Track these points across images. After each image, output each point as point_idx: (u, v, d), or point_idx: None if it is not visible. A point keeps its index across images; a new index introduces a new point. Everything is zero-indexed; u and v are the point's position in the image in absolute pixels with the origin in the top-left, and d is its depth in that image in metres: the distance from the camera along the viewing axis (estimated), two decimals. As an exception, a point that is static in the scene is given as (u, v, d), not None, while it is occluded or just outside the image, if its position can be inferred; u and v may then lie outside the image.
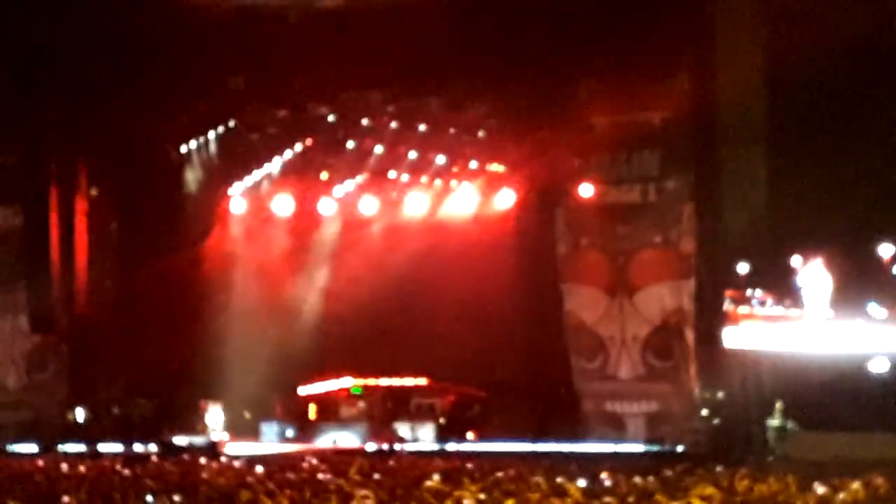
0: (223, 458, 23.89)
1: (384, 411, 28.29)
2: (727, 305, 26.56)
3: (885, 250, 26.35)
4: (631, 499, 16.49)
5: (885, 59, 24.85)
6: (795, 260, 26.58)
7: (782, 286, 26.68)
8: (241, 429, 28.10)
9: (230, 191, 30.78)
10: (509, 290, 29.22)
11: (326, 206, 30.49)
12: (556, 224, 28.72)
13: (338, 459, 23.14)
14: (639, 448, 26.49)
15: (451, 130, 29.49)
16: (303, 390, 29.01)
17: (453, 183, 30.52)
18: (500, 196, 29.42)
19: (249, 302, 29.73)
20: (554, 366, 28.62)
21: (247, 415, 28.17)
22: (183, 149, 30.20)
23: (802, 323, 26.48)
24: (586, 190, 28.27)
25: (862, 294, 26.38)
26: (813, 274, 26.53)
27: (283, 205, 30.46)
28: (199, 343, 28.69)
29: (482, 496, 16.57)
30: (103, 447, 25.98)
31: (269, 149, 30.20)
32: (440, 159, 30.01)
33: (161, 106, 28.26)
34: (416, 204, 29.91)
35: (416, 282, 29.59)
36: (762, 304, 26.72)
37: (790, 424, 25.94)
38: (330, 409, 28.57)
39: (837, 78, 24.84)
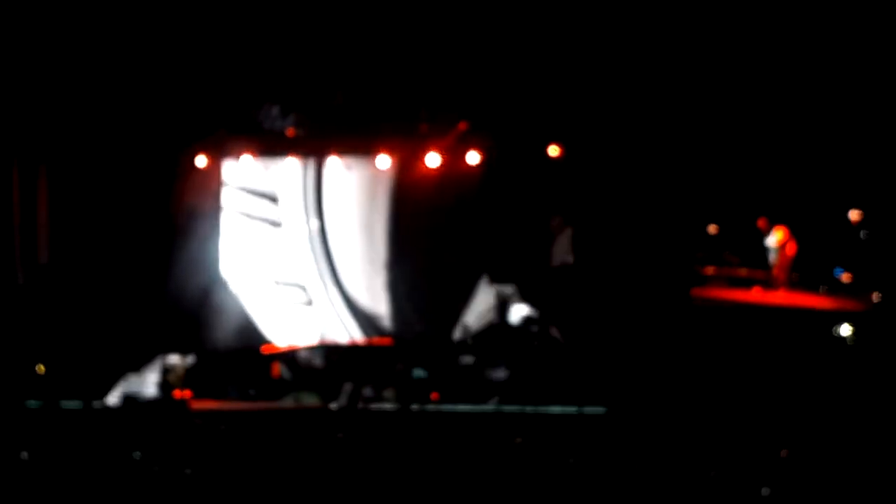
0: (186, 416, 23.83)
1: (345, 370, 28.13)
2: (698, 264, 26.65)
3: (851, 216, 26.46)
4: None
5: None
6: (761, 223, 26.67)
7: (749, 248, 26.81)
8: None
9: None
10: (474, 251, 29.13)
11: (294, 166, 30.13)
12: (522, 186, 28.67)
13: (300, 418, 23.12)
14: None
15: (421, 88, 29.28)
16: (266, 348, 28.89)
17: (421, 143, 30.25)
18: (468, 157, 29.16)
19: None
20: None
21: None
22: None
23: (767, 286, 26.63)
24: (553, 151, 28.19)
25: (827, 259, 26.51)
26: (778, 237, 26.62)
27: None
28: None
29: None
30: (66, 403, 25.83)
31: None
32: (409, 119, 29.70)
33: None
34: (382, 163, 29.60)
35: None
36: (729, 264, 26.84)
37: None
38: (291, 368, 28.42)
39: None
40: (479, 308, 28.53)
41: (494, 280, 28.29)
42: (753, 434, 19.56)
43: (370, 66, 27.75)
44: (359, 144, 29.07)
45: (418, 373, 27.35)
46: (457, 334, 28.26)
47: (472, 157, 28.50)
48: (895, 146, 25.45)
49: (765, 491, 14.29)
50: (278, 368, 28.39)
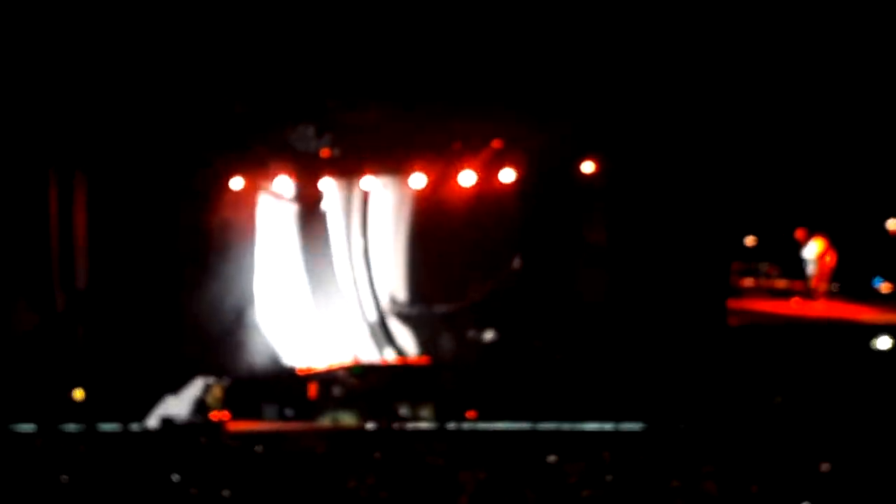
0: (224, 437, 23.83)
1: (385, 390, 28.09)
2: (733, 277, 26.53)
3: (890, 225, 26.23)
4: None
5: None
6: (800, 234, 26.56)
7: (788, 259, 26.66)
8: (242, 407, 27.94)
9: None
10: (508, 266, 29.09)
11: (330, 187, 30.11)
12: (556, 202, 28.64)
13: (338, 438, 23.09)
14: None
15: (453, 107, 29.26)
16: (302, 369, 28.87)
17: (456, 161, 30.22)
18: (503, 174, 29.08)
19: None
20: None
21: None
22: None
23: (806, 297, 26.47)
24: (588, 168, 28.12)
25: (868, 269, 26.30)
26: (816, 247, 26.48)
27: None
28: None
29: (482, 476, 16.49)
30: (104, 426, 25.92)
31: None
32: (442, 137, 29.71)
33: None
34: (417, 182, 29.54)
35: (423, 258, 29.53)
36: (768, 276, 26.72)
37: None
38: (327, 388, 28.39)
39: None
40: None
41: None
42: (793, 448, 19.37)
43: (403, 84, 27.74)
44: (393, 163, 29.10)
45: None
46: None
47: (507, 175, 28.46)
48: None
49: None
50: (315, 389, 28.39)
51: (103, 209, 28.90)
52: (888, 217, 26.21)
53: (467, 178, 28.52)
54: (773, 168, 26.23)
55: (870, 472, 16.41)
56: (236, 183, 29.00)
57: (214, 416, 27.09)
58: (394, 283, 29.46)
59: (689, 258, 27.05)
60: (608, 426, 25.73)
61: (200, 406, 27.31)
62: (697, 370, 26.45)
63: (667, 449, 20.20)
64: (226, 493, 15.60)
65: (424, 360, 28.65)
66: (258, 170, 29.11)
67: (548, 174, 28.42)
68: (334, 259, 29.67)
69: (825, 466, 16.81)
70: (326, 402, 28.02)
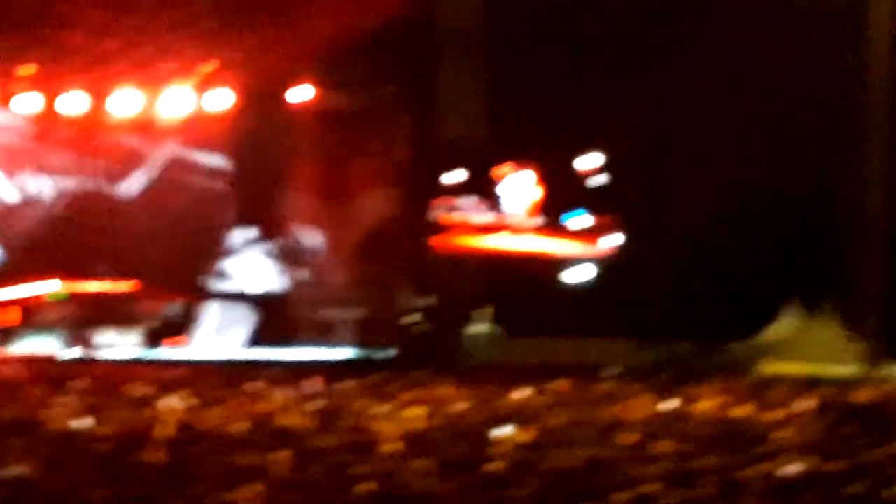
0: None
1: (88, 317, 27.49)
2: (438, 212, 26.94)
3: (588, 161, 27.11)
4: (337, 403, 16.59)
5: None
6: (504, 169, 27.12)
7: (492, 195, 27.19)
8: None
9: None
10: (224, 194, 28.81)
11: (27, 102, 29.07)
12: (272, 127, 28.44)
13: (35, 366, 22.49)
14: (347, 354, 26.68)
15: (163, 24, 28.54)
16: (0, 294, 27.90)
17: (167, 81, 29.59)
18: (217, 96, 28.72)
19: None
20: (265, 272, 28.49)
21: None
22: None
23: (510, 230, 27.12)
24: (303, 93, 28.01)
25: (568, 202, 27.13)
26: (520, 182, 27.13)
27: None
28: None
29: (189, 403, 16.38)
30: None
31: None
32: (151, 54, 28.99)
33: None
34: (127, 101, 28.87)
35: (125, 184, 28.80)
36: (473, 211, 27.17)
37: (496, 330, 26.58)
38: (29, 314, 27.55)
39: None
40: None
41: None
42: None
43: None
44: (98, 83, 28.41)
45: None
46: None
47: (220, 99, 28.16)
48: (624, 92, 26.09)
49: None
50: (15, 315, 27.52)
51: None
52: (584, 152, 27.06)
53: (181, 102, 28.07)
54: (476, 105, 26.68)
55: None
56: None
57: None
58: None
59: (390, 194, 27.50)
60: (320, 354, 26.05)
61: None
62: (402, 302, 27.09)
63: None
64: None
65: (131, 287, 28.15)
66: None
67: (260, 100, 28.25)
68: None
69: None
70: (25, 328, 27.25)
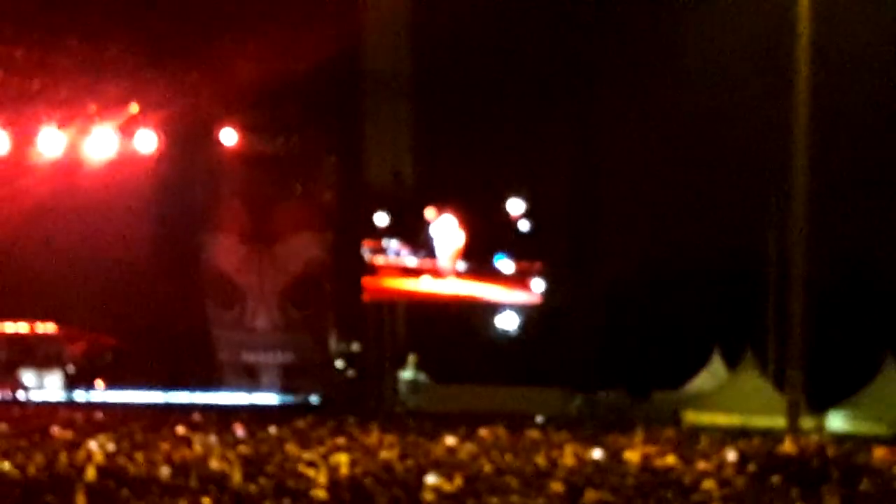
0: None
1: (8, 358, 27.08)
2: (365, 256, 26.93)
3: (513, 206, 27.25)
4: (263, 449, 16.45)
5: (535, 17, 25.43)
6: (430, 213, 27.20)
7: (417, 238, 27.24)
8: None
9: None
10: (147, 236, 28.53)
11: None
12: (197, 170, 28.32)
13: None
14: (272, 399, 26.51)
15: (89, 66, 28.34)
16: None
17: (91, 122, 29.35)
18: (141, 138, 28.53)
19: None
20: (190, 315, 28.21)
21: None
22: None
23: (435, 275, 27.15)
24: (229, 137, 27.93)
25: (491, 248, 27.23)
26: (445, 227, 27.21)
27: None
28: None
29: (111, 447, 16.16)
30: None
31: None
32: (76, 97, 28.75)
33: None
34: (50, 142, 28.58)
35: (49, 225, 28.43)
36: (398, 254, 27.20)
37: (422, 377, 26.55)
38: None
39: (484, 37, 25.31)
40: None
41: None
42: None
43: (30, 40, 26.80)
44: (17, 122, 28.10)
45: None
46: None
47: (145, 141, 27.98)
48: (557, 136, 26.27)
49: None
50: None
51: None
52: (508, 197, 27.19)
53: (105, 144, 27.82)
54: (403, 148, 26.76)
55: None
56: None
57: None
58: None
59: (318, 237, 27.44)
60: (241, 399, 25.86)
61: None
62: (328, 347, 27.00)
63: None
64: None
65: (52, 329, 27.81)
66: None
67: (185, 142, 28.09)
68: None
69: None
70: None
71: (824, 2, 21.26)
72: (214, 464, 14.71)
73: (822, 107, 21.85)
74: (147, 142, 28.16)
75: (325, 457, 15.30)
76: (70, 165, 28.62)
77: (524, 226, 27.21)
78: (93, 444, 16.15)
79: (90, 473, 13.49)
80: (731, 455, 16.18)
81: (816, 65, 21.50)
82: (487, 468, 14.84)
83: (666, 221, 25.47)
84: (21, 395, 25.89)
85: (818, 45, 21.47)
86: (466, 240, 27.20)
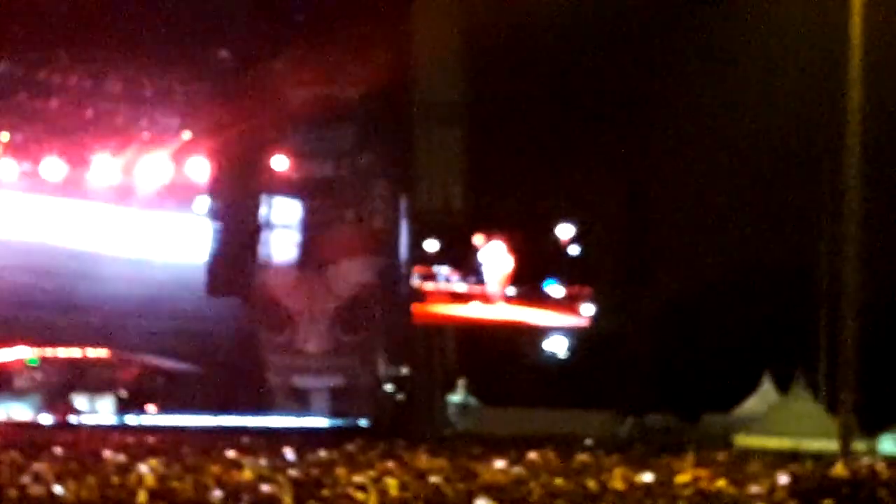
0: None
1: (61, 382, 27.35)
2: (415, 281, 26.99)
3: (563, 231, 27.26)
4: (313, 472, 16.49)
5: (584, 50, 25.50)
6: (478, 239, 27.24)
7: (467, 264, 27.28)
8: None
9: None
10: (200, 263, 28.75)
11: (7, 169, 29.01)
12: (248, 196, 28.51)
13: (9, 431, 22.32)
14: (322, 422, 26.58)
15: (146, 93, 28.67)
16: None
17: (146, 148, 29.64)
18: (193, 165, 28.77)
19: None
20: (242, 340, 28.38)
21: None
22: None
23: (484, 300, 27.17)
24: (281, 163, 28.11)
25: (541, 273, 27.23)
26: (494, 252, 27.23)
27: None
28: None
29: (162, 470, 16.25)
30: None
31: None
32: (130, 124, 29.07)
33: None
34: (104, 169, 28.87)
35: (101, 251, 28.73)
36: (448, 280, 27.24)
37: (472, 400, 26.54)
38: (4, 380, 27.38)
39: (533, 64, 25.40)
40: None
41: None
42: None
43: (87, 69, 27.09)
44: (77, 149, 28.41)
45: None
46: None
47: (197, 167, 28.21)
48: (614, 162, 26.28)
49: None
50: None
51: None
52: (558, 223, 27.20)
53: (159, 168, 28.13)
54: (454, 175, 26.83)
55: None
56: None
57: None
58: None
59: (368, 262, 27.53)
60: (291, 422, 25.93)
61: None
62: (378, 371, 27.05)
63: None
64: None
65: (104, 354, 28.04)
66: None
67: (237, 169, 28.28)
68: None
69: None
70: (2, 394, 27.05)
71: (878, 26, 21.17)
72: (265, 487, 14.75)
73: (875, 126, 21.72)
74: (200, 168, 28.42)
75: (375, 480, 15.32)
76: (124, 190, 28.93)
77: (574, 250, 27.19)
78: (144, 468, 16.23)
79: (142, 497, 13.55)
80: (783, 479, 16.06)
81: (869, 82, 21.38)
82: (537, 492, 14.78)
83: (715, 245, 25.41)
84: (74, 419, 26.08)
85: (871, 63, 21.36)
86: (516, 265, 27.21)
